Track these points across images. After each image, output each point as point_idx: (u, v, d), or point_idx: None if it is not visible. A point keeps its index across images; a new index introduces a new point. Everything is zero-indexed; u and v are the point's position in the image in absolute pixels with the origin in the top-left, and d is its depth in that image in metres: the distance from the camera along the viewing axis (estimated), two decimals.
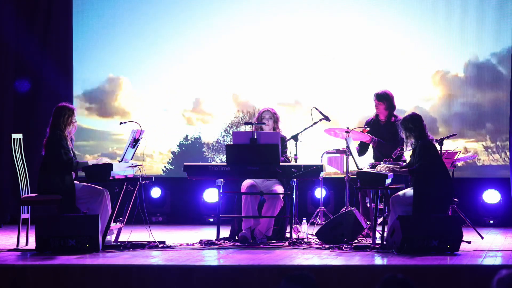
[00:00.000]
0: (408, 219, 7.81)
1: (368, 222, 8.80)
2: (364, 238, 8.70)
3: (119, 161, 8.44)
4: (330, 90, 11.23)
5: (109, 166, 8.18)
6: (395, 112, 9.35)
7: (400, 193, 8.20)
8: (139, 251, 8.01)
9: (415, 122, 8.18)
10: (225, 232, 8.88)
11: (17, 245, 8.32)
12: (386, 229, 8.07)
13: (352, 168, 8.86)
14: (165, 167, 11.67)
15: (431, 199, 7.97)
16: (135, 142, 8.45)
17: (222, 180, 8.79)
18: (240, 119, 11.41)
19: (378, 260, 7.45)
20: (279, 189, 8.79)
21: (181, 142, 11.65)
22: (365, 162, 8.90)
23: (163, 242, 8.34)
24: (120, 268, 6.98)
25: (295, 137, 9.17)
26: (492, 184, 10.90)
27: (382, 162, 8.51)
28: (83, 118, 11.49)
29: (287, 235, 8.70)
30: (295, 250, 8.04)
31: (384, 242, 7.99)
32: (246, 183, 8.82)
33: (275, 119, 9.04)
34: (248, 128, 9.85)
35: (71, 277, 6.88)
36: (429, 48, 11.11)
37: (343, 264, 7.17)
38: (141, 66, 11.57)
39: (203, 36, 11.46)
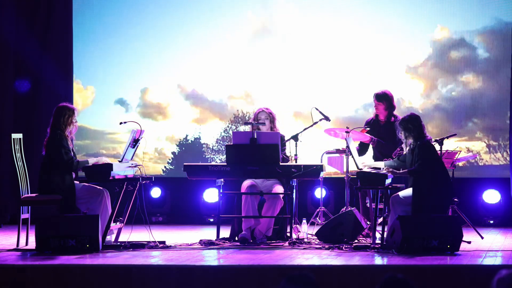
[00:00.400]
0: (408, 219, 7.81)
1: (368, 222, 8.80)
2: (364, 238, 8.70)
3: (119, 161, 8.44)
4: (330, 90, 11.23)
5: (109, 166, 8.17)
6: (394, 112, 9.35)
7: (400, 193, 8.20)
8: (139, 251, 8.01)
9: (414, 122, 8.18)
10: (225, 232, 8.88)
11: (17, 245, 8.32)
12: (386, 229, 8.07)
13: (352, 168, 8.86)
14: (165, 167, 11.67)
15: (431, 199, 7.97)
16: (135, 142, 8.45)
17: (222, 180, 8.78)
18: (240, 119, 11.41)
19: (378, 260, 7.45)
20: (279, 189, 8.79)
21: (181, 142, 11.65)
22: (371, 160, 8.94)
23: (163, 242, 8.34)
24: (120, 268, 6.98)
25: (295, 137, 9.16)
26: (492, 184, 10.90)
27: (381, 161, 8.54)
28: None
29: (288, 235, 8.70)
30: (295, 250, 8.04)
31: (384, 242, 7.99)
32: (246, 183, 8.82)
33: (271, 118, 9.02)
34: (247, 128, 9.84)
35: (71, 277, 6.88)
36: (429, 48, 11.11)
37: (343, 264, 7.17)
38: (142, 66, 11.57)
39: (203, 37, 11.45)
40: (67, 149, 8.25)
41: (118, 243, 8.31)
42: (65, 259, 7.38)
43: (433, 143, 8.35)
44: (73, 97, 11.37)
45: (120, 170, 8.34)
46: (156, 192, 11.42)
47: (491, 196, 10.87)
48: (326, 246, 8.18)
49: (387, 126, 9.28)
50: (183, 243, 8.45)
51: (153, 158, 11.63)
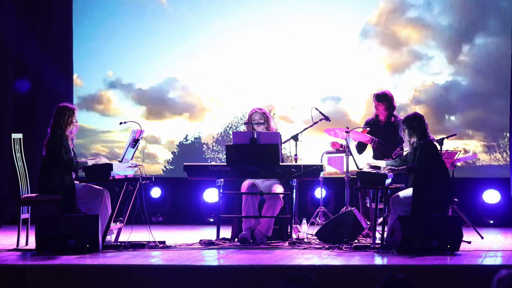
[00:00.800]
0: (408, 219, 7.81)
1: (368, 222, 8.80)
2: (364, 238, 8.70)
3: (119, 161, 8.44)
4: (330, 90, 11.23)
5: (109, 166, 8.18)
6: (394, 112, 9.34)
7: (400, 193, 8.20)
8: (139, 251, 8.01)
9: (418, 120, 8.18)
10: (225, 232, 8.88)
11: (17, 245, 8.32)
12: (386, 229, 8.07)
13: (352, 168, 8.86)
14: (165, 167, 11.67)
15: (431, 199, 7.97)
16: (135, 142, 8.45)
17: (222, 180, 8.78)
18: (240, 119, 11.41)
19: (378, 260, 7.45)
20: (279, 189, 8.79)
21: (181, 142, 11.65)
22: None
23: (163, 242, 8.34)
24: (120, 268, 6.98)
25: (295, 137, 9.16)
26: (492, 184, 10.90)
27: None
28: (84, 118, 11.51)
29: (288, 234, 8.70)
30: (295, 250, 8.04)
31: (384, 242, 7.99)
32: (246, 183, 8.82)
33: (266, 118, 9.01)
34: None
35: (71, 277, 6.88)
36: (429, 48, 11.12)
37: (343, 264, 7.17)
38: (141, 66, 11.57)
39: (203, 37, 11.46)
40: (67, 149, 8.26)
41: (118, 243, 8.31)
42: (65, 259, 7.38)
43: (435, 143, 8.36)
44: (73, 97, 11.38)
45: (120, 170, 8.34)
46: (156, 192, 11.42)
47: (491, 196, 10.87)
48: (326, 246, 8.18)
49: (387, 126, 9.27)
50: (183, 243, 8.45)
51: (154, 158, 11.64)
